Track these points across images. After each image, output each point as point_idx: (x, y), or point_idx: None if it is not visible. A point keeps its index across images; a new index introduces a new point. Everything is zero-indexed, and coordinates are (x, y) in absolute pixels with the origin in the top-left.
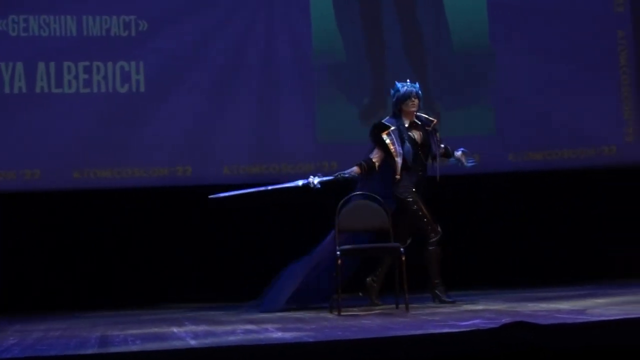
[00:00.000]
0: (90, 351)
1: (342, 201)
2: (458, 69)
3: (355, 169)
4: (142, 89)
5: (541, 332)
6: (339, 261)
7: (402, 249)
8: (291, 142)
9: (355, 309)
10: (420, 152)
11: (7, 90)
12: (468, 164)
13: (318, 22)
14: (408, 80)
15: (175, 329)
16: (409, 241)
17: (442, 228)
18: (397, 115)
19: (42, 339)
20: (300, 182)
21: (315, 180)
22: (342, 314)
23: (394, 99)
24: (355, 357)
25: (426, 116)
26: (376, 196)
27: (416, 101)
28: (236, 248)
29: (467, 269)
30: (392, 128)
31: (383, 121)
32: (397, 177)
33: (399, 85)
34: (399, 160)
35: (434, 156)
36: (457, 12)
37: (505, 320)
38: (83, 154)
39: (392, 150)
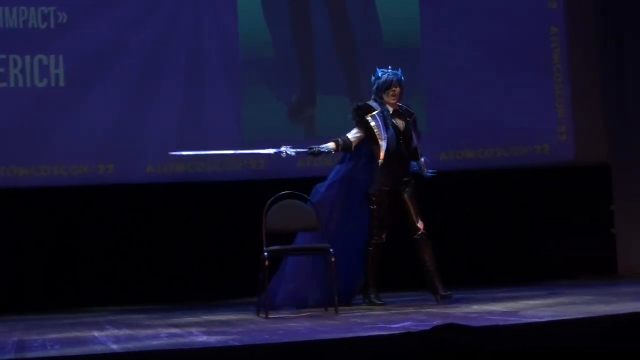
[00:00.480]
0: (6, 357)
1: (269, 201)
2: (389, 65)
3: (332, 145)
4: (62, 83)
5: (473, 335)
6: (267, 263)
7: (331, 250)
8: (218, 140)
9: (284, 312)
10: (402, 142)
11: None
12: (428, 174)
13: (245, 17)
14: (390, 67)
15: (96, 333)
16: (421, 229)
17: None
18: (380, 102)
19: None
20: (272, 151)
21: (288, 150)
22: (270, 317)
23: (374, 87)
24: None
25: (407, 107)
26: (304, 195)
27: (397, 90)
28: (179, 247)
29: (397, 271)
30: (377, 111)
31: (368, 103)
32: (381, 161)
33: (379, 72)
34: (383, 144)
35: (414, 149)
36: (389, 7)
37: (437, 322)
38: (1, 151)
39: (377, 134)
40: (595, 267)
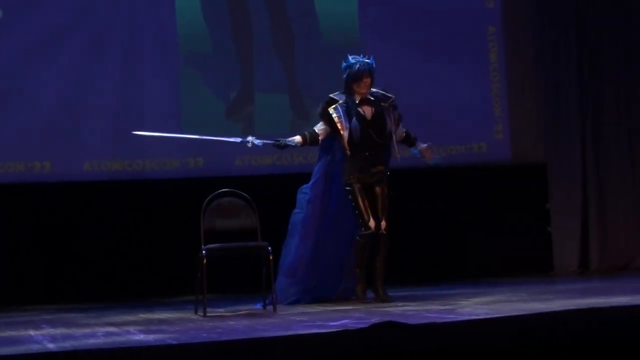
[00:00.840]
0: None
1: (207, 199)
2: (327, 63)
3: (298, 138)
4: None
5: (409, 332)
6: (204, 261)
7: (269, 248)
8: (155, 138)
9: (221, 310)
10: (371, 130)
11: None
12: (431, 161)
13: (183, 12)
14: (361, 55)
15: (32, 332)
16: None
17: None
18: (348, 92)
19: None
20: (238, 139)
21: (254, 140)
22: (207, 315)
23: (344, 75)
24: (220, 358)
25: (384, 92)
26: (243, 193)
27: (368, 81)
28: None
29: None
30: (340, 102)
31: (332, 95)
32: (347, 152)
33: (351, 60)
34: (345, 134)
35: (389, 134)
36: (327, 3)
37: (375, 320)
38: None
39: (338, 124)
40: (532, 265)
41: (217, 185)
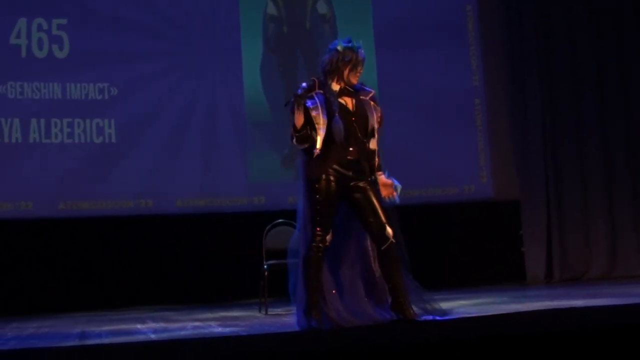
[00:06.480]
0: (71, 343)
1: (268, 227)
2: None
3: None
4: (113, 139)
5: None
6: (266, 273)
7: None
8: (229, 182)
9: (279, 310)
10: (355, 124)
11: (6, 140)
12: (386, 200)
13: (249, 90)
14: (349, 38)
15: (139, 326)
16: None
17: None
18: (330, 79)
19: (34, 335)
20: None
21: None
22: (268, 313)
23: (326, 57)
24: (278, 346)
25: (362, 84)
26: (294, 222)
27: (361, 71)
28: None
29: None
30: (317, 91)
31: (302, 86)
32: (316, 151)
33: (348, 42)
34: (322, 131)
35: (372, 130)
36: None
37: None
38: (68, 190)
39: (314, 117)
40: (510, 277)
41: (274, 217)
